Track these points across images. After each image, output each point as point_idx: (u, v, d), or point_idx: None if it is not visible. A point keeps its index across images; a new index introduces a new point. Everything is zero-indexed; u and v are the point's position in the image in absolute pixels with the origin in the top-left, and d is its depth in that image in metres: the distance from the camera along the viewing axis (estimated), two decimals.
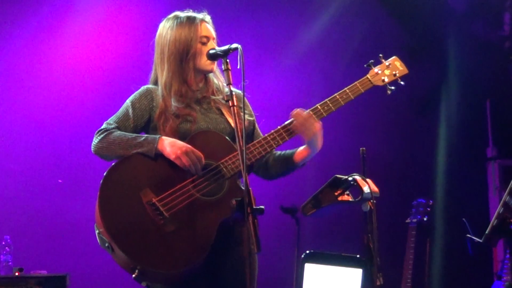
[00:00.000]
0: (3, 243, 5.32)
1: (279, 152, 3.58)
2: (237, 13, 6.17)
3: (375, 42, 6.63)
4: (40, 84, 5.99)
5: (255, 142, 3.41)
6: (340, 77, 6.39)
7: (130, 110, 3.45)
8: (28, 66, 6.00)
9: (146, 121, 3.47)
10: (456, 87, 6.99)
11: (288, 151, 3.57)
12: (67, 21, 6.08)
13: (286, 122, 3.43)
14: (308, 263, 3.40)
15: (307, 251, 3.42)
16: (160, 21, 3.60)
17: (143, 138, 3.34)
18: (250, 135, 3.56)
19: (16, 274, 5.05)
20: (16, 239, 5.42)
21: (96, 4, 6.13)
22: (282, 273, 6.10)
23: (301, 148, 3.52)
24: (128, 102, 3.49)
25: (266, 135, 3.44)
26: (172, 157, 3.28)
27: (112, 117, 3.47)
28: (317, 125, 3.42)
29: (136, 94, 3.51)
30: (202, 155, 3.29)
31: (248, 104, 3.62)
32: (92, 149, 3.41)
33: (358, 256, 3.43)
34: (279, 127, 3.43)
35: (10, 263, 5.25)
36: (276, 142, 3.41)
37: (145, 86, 3.54)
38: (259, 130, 3.65)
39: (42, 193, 5.95)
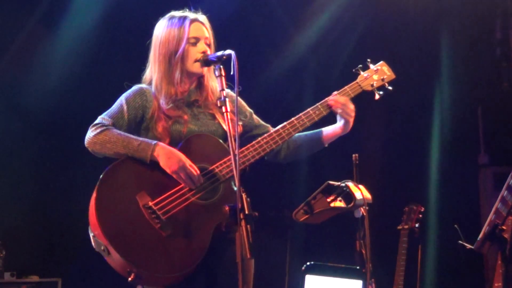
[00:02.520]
0: None
1: (297, 135, 3.59)
2: (229, 17, 6.17)
3: (367, 49, 6.64)
4: (36, 85, 5.97)
5: (248, 145, 3.41)
6: (332, 81, 6.40)
7: (125, 108, 3.43)
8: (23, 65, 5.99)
9: (139, 121, 3.46)
10: (448, 94, 7.01)
11: (310, 133, 3.61)
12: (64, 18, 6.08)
13: (322, 102, 3.53)
14: (309, 274, 3.39)
15: (308, 263, 3.41)
16: (154, 19, 3.61)
17: (139, 142, 3.32)
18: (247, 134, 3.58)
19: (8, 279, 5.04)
20: (8, 244, 5.41)
21: (96, 2, 6.12)
22: (274, 279, 6.10)
23: (332, 128, 3.59)
24: (122, 99, 3.47)
25: (259, 138, 3.46)
26: (168, 170, 3.28)
27: (106, 113, 3.45)
28: (353, 106, 3.55)
29: (130, 92, 3.49)
30: (198, 170, 3.29)
31: (243, 103, 3.62)
32: (85, 142, 3.39)
33: (358, 267, 3.43)
34: (318, 104, 3.52)
35: (1, 268, 5.24)
36: (269, 146, 3.43)
37: (139, 85, 3.53)
38: (261, 121, 3.65)
39: (34, 198, 5.94)
